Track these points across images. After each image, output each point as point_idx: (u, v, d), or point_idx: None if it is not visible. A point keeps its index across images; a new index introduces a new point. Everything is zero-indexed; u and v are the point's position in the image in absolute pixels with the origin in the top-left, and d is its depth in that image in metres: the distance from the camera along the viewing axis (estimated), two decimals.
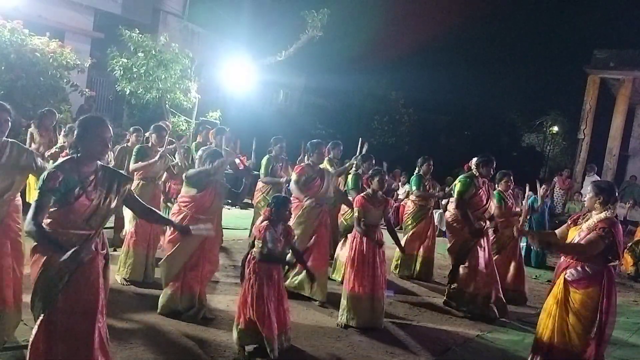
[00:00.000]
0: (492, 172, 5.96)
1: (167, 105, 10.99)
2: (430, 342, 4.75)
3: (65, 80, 8.95)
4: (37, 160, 3.55)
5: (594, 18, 23.16)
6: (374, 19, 19.76)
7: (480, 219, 5.74)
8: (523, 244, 9.38)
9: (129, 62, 10.22)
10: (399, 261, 7.13)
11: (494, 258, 5.97)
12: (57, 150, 6.39)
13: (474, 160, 5.95)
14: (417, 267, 7.11)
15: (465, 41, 24.81)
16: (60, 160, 2.96)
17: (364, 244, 4.90)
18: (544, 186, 9.65)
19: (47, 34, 8.77)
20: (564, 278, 3.88)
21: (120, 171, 3.16)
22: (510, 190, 6.63)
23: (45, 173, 2.75)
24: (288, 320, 4.09)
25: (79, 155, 2.85)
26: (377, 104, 20.14)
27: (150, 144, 5.77)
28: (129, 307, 4.64)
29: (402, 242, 6.31)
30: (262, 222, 4.04)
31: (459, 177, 5.97)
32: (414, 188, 7.27)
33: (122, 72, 10.26)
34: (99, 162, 2.94)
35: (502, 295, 5.75)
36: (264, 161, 7.06)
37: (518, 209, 6.46)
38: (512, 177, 6.57)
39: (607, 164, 16.61)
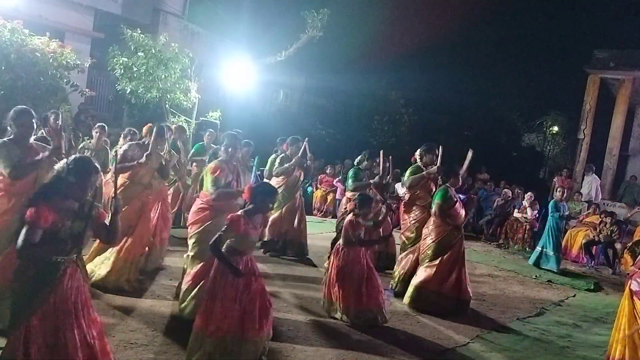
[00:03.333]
0: (435, 160, 6.09)
1: (167, 105, 11.00)
2: (430, 342, 4.75)
3: (65, 80, 8.94)
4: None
5: (594, 18, 23.16)
6: (374, 19, 19.74)
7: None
8: (539, 248, 9.10)
9: (129, 62, 10.23)
10: None
11: (436, 261, 5.60)
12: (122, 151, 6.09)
13: (418, 150, 6.19)
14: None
15: (465, 41, 24.80)
16: (46, 186, 2.94)
17: (351, 257, 5.02)
18: (559, 189, 9.45)
19: (47, 34, 8.76)
20: (629, 289, 3.82)
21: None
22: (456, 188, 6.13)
23: (35, 208, 2.71)
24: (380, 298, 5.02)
25: (65, 191, 2.87)
26: (377, 104, 20.13)
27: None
28: (129, 307, 4.64)
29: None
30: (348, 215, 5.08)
31: (410, 168, 6.19)
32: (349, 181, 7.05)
33: (122, 71, 10.27)
34: None
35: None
36: (273, 160, 7.15)
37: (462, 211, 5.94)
38: (459, 176, 5.96)
39: (607, 164, 16.60)
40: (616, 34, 20.87)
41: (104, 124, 7.96)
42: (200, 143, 8.70)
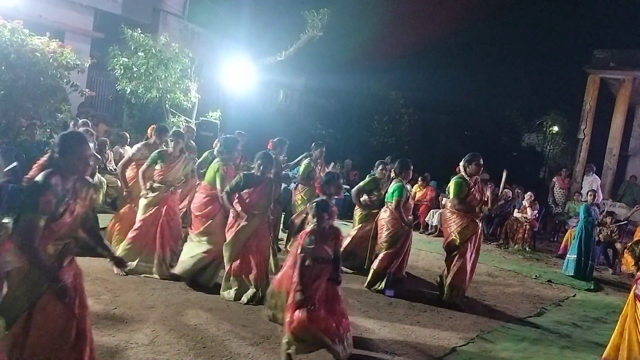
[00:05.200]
0: (480, 169, 6.22)
1: (167, 105, 11.00)
2: (430, 342, 4.74)
3: (65, 80, 8.95)
4: None
5: (594, 18, 23.23)
6: (374, 19, 19.77)
7: (476, 215, 6.11)
8: (572, 256, 8.65)
9: (129, 61, 10.24)
10: None
11: (386, 253, 6.16)
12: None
13: (461, 162, 6.28)
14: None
15: (465, 41, 24.87)
16: (41, 175, 2.64)
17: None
18: (590, 193, 9.25)
19: (47, 34, 8.77)
20: (634, 293, 3.81)
21: (90, 180, 3.03)
22: (408, 181, 6.61)
23: (36, 190, 2.58)
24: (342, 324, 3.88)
25: (61, 171, 2.70)
26: (377, 104, 20.14)
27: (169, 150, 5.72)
28: (130, 307, 4.64)
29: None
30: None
31: (453, 178, 6.28)
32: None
33: (122, 71, 10.28)
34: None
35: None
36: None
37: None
38: (411, 167, 6.47)
39: (607, 164, 16.60)
40: (616, 34, 20.94)
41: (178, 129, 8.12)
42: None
